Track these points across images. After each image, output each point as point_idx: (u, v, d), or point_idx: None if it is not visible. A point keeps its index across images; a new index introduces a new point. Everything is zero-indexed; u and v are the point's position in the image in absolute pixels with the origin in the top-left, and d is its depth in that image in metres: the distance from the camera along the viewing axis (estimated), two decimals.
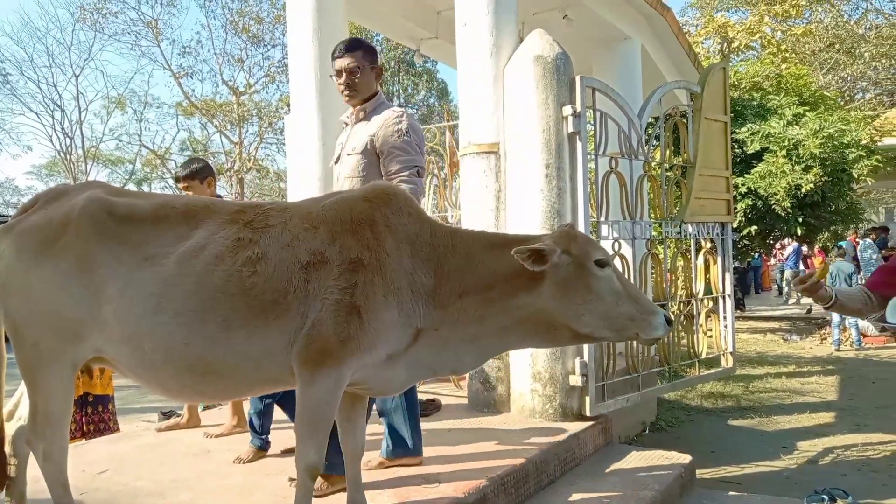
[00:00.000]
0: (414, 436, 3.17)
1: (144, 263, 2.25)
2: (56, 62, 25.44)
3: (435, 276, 2.32)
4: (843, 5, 20.48)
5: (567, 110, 3.99)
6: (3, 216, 17.42)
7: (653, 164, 4.70)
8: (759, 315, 13.96)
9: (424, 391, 4.70)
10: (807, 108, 9.80)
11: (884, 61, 19.56)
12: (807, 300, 12.55)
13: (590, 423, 3.94)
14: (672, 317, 3.92)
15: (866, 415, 6.13)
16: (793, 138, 9.16)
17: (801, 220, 9.53)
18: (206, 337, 2.19)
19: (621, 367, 4.35)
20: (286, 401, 3.30)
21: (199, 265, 2.22)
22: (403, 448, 3.16)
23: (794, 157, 9.13)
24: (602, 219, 4.19)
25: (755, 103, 9.98)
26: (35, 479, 2.52)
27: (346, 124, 3.22)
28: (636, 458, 3.87)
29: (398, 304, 2.25)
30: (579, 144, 4.03)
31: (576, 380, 3.96)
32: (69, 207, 2.32)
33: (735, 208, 8.85)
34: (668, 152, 5.01)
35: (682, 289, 5.01)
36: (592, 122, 4.45)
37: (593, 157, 4.36)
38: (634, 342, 4.16)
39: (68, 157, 25.96)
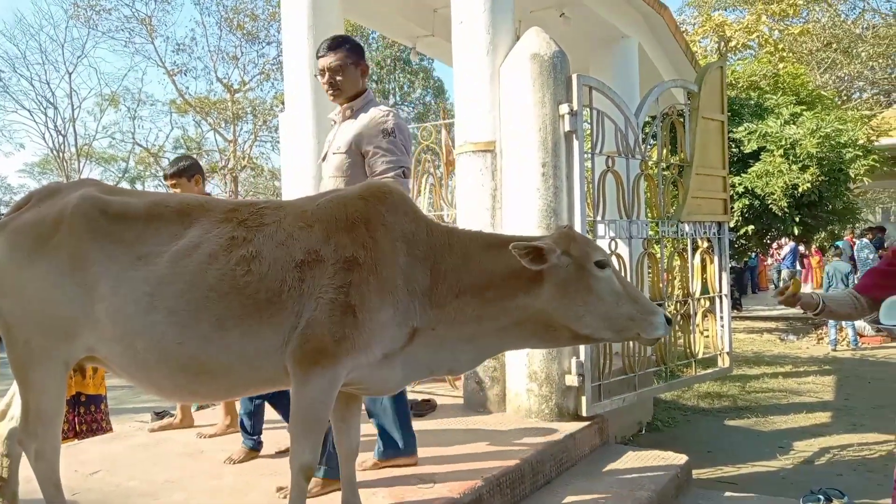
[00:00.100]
0: (405, 436, 3.15)
1: (138, 262, 2.23)
2: (49, 59, 25.26)
3: (431, 274, 2.30)
4: (840, 5, 20.54)
5: (564, 109, 3.97)
6: None
7: (649, 163, 4.70)
8: (756, 315, 13.96)
9: (419, 391, 4.69)
10: (804, 107, 9.80)
11: (881, 61, 19.60)
12: None
13: (586, 423, 3.93)
14: (671, 316, 3.91)
15: (862, 415, 6.13)
16: (790, 138, 9.16)
17: (797, 219, 9.55)
18: (199, 336, 2.18)
19: (617, 367, 4.34)
20: (277, 400, 3.28)
21: (192, 264, 2.20)
22: (395, 449, 3.14)
23: (790, 157, 9.14)
24: (599, 218, 4.19)
25: (752, 102, 9.98)
26: (27, 479, 2.51)
27: (335, 122, 3.17)
28: (632, 459, 3.86)
29: (394, 303, 2.23)
30: (576, 143, 4.01)
31: (572, 380, 3.95)
32: (62, 205, 2.31)
33: (732, 208, 8.90)
34: (664, 151, 5.00)
35: (679, 288, 5.00)
36: (589, 121, 4.45)
37: (590, 155, 4.35)
38: (631, 342, 4.17)
39: (61, 154, 25.83)
